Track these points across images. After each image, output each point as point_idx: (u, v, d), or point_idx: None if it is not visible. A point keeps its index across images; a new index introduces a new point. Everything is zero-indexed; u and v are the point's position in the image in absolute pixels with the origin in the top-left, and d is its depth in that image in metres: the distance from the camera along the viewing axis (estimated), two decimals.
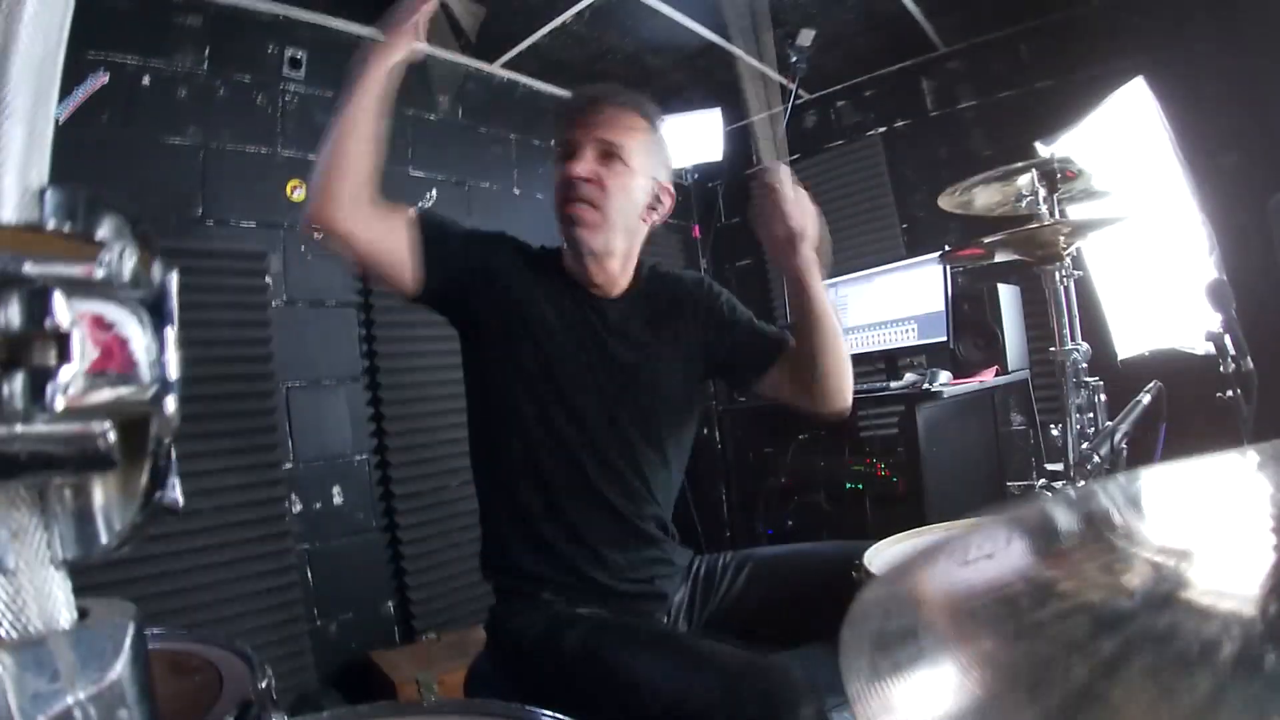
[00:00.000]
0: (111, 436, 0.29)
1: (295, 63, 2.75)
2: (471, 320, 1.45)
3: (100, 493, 0.32)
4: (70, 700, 0.29)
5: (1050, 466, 1.81)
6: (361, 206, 1.32)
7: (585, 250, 1.42)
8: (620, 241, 1.45)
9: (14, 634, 0.30)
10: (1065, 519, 0.56)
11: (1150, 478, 0.60)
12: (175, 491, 0.33)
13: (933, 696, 0.36)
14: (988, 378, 2.69)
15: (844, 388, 1.49)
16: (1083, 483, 1.60)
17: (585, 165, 1.41)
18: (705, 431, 3.39)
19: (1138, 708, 0.30)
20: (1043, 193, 1.86)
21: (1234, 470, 0.57)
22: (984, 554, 0.53)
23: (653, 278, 1.56)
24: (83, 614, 0.33)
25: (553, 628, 1.32)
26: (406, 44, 1.49)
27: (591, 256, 1.44)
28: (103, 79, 2.21)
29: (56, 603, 0.32)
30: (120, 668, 0.31)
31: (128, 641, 0.32)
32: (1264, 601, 0.34)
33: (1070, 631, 0.37)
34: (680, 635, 1.44)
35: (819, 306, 1.50)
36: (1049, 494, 1.65)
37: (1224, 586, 0.37)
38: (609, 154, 1.42)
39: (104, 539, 0.32)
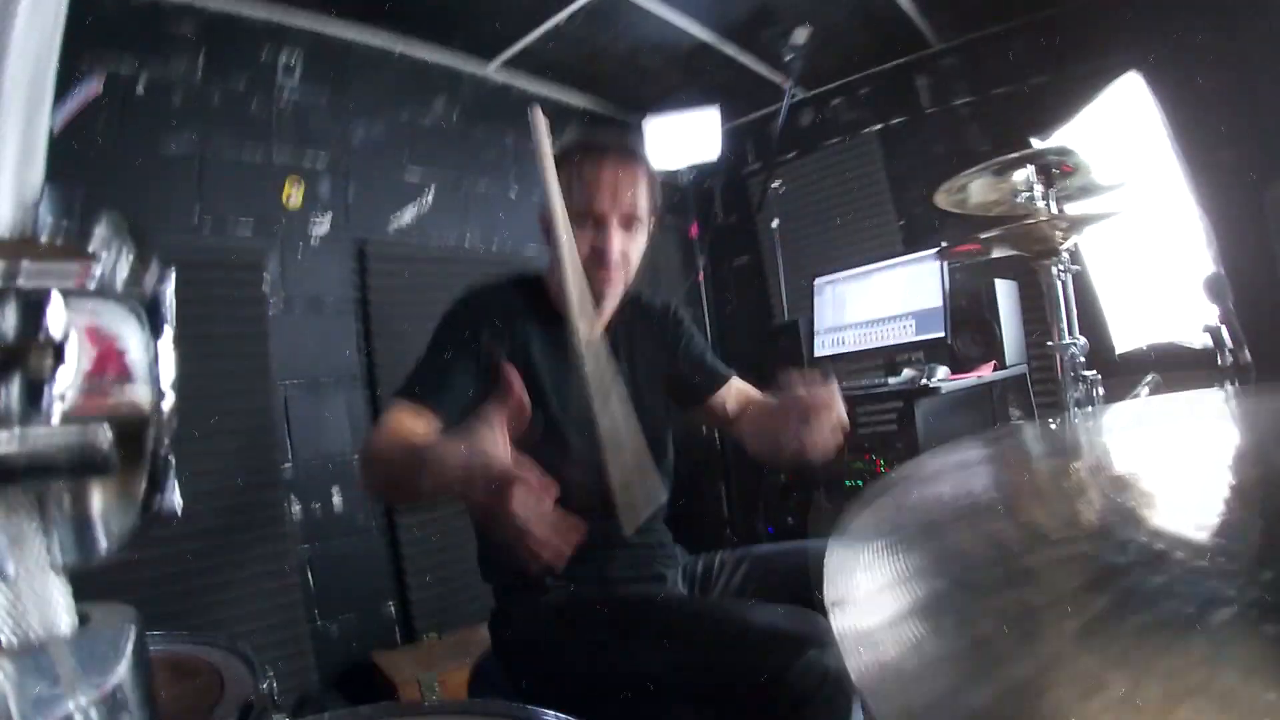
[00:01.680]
0: (108, 442, 0.29)
1: (290, 68, 2.75)
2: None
3: (99, 499, 0.32)
4: (72, 706, 0.29)
5: None
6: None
7: (604, 306, 1.47)
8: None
9: (15, 640, 0.30)
10: (1037, 445, 0.58)
11: (1124, 411, 0.62)
12: (174, 497, 0.33)
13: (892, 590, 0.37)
14: (986, 373, 2.69)
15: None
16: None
17: (618, 245, 1.42)
18: (705, 431, 3.39)
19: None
20: (1039, 188, 1.86)
21: (1205, 407, 0.59)
22: (961, 469, 0.54)
23: (633, 309, 1.60)
24: (83, 619, 0.33)
25: (559, 621, 1.32)
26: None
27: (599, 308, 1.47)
28: (97, 87, 2.21)
29: (57, 609, 0.32)
30: (121, 673, 0.31)
31: (129, 647, 0.32)
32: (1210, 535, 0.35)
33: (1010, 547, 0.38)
34: (697, 598, 1.45)
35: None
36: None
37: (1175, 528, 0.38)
38: (630, 223, 1.44)
39: (103, 545, 0.32)
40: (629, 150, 1.49)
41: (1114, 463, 0.50)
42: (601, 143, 1.47)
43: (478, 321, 1.42)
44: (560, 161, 1.38)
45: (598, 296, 1.43)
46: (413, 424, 1.30)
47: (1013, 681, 0.30)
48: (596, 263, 1.41)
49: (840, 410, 1.30)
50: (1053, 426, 0.71)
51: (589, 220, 1.41)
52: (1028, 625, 0.33)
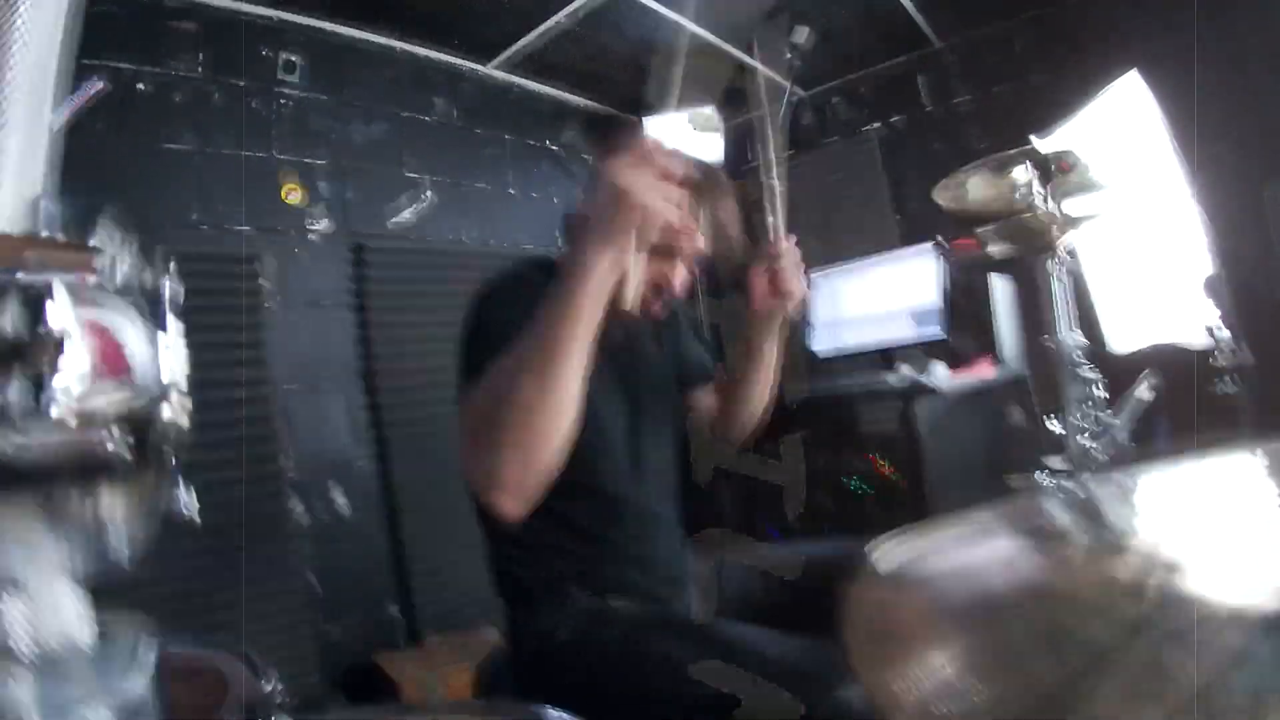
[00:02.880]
0: (112, 443, 0.29)
1: (290, 67, 2.75)
2: None
3: (110, 506, 0.32)
4: (90, 716, 0.29)
5: (1050, 459, 1.81)
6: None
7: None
8: None
9: (32, 651, 0.30)
10: (1062, 517, 0.57)
11: (1150, 477, 0.60)
12: (183, 503, 0.33)
13: (929, 685, 0.36)
14: (983, 370, 2.69)
15: (754, 426, 1.65)
16: (1081, 476, 1.60)
17: (679, 281, 1.40)
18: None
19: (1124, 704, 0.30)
20: (1037, 186, 1.85)
21: (1237, 470, 0.57)
22: (982, 552, 0.53)
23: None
24: (99, 629, 0.33)
25: (587, 626, 1.30)
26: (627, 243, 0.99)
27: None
28: (99, 86, 2.21)
29: (73, 619, 0.32)
30: (138, 683, 0.31)
31: (145, 657, 0.32)
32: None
33: (1059, 627, 0.37)
34: (723, 624, 1.44)
35: (773, 360, 1.56)
36: (1046, 484, 1.66)
37: (1214, 590, 0.37)
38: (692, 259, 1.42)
39: (119, 553, 0.32)
40: (724, 188, 1.45)
41: (1155, 539, 0.49)
42: (705, 180, 1.39)
43: (526, 302, 1.35)
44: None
45: (647, 313, 1.41)
46: None
47: None
48: (652, 294, 1.38)
49: (797, 259, 1.44)
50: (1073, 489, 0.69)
51: (656, 251, 1.32)
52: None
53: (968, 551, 0.53)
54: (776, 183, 1.62)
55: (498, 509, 1.07)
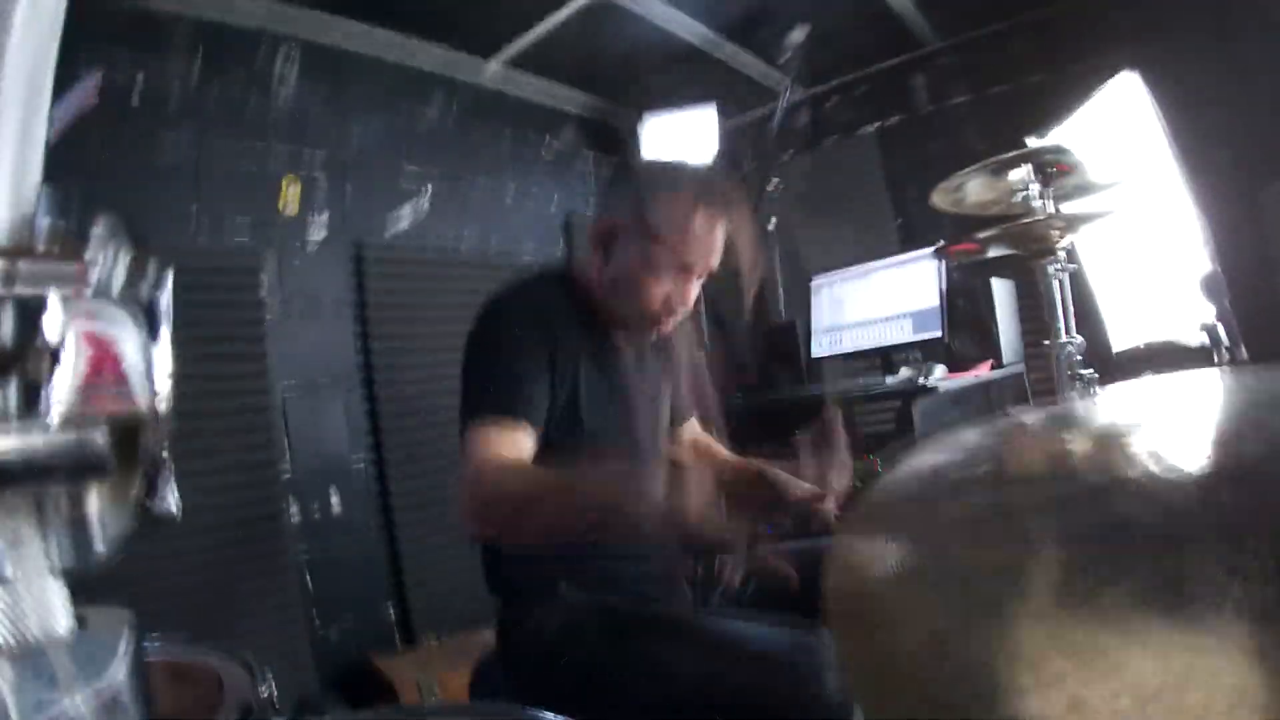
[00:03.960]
0: (104, 445, 0.29)
1: (286, 69, 2.75)
2: None
3: (96, 502, 0.32)
4: (68, 707, 0.29)
5: None
6: None
7: (643, 336, 1.48)
8: None
9: (13, 642, 0.30)
10: (1035, 415, 0.60)
11: (1124, 390, 0.64)
12: (171, 500, 0.33)
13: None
14: (983, 372, 2.70)
15: None
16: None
17: (692, 297, 1.41)
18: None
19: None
20: (1036, 188, 1.86)
21: (1207, 386, 0.59)
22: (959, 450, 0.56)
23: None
24: (80, 622, 0.33)
25: (573, 623, 1.31)
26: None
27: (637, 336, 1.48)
28: (94, 90, 2.21)
29: (55, 611, 0.32)
30: (117, 674, 0.31)
31: (125, 649, 0.32)
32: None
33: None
34: (707, 619, 1.45)
35: None
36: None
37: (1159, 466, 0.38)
38: (707, 275, 1.42)
39: (100, 548, 0.32)
40: (738, 206, 1.44)
41: (1109, 427, 0.51)
42: (720, 198, 1.39)
43: (537, 321, 1.35)
44: (675, 195, 1.35)
45: (650, 325, 1.43)
46: (515, 448, 1.24)
47: (997, 640, 0.31)
48: (665, 310, 1.39)
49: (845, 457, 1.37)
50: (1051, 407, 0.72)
51: (672, 269, 1.36)
52: (1014, 588, 0.33)
53: (934, 457, 0.55)
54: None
55: (470, 537, 1.23)
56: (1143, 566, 0.31)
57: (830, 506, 1.34)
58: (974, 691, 0.29)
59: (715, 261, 1.39)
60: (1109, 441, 0.45)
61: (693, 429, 1.77)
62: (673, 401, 1.66)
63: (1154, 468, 0.39)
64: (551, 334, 1.34)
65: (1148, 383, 0.61)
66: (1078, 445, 0.45)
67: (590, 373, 1.40)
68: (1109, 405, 0.61)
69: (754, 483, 1.50)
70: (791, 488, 1.39)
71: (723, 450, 1.75)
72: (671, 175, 1.43)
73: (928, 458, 0.54)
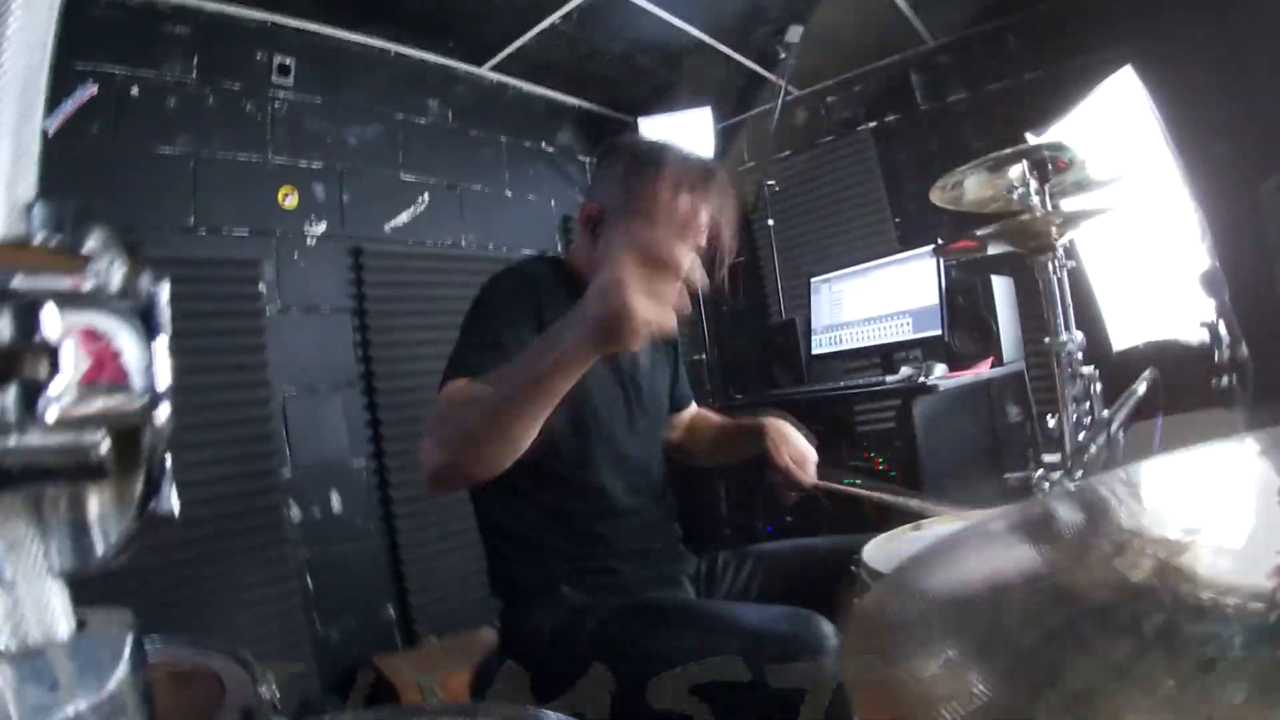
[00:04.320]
0: (105, 447, 0.29)
1: (284, 69, 2.75)
2: None
3: (95, 503, 0.32)
4: (70, 710, 0.29)
5: (1047, 457, 1.81)
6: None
7: None
8: None
9: (13, 645, 0.30)
10: (1067, 513, 0.56)
11: (1150, 468, 0.60)
12: (171, 501, 0.33)
13: (932, 688, 0.35)
14: (983, 370, 2.70)
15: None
16: (1081, 474, 1.61)
17: (684, 295, 1.44)
18: None
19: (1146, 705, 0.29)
20: (1034, 185, 1.86)
21: (1232, 458, 0.57)
22: (988, 549, 0.53)
23: None
24: (81, 624, 0.33)
25: (570, 620, 1.32)
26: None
27: None
28: (91, 90, 2.21)
29: (55, 613, 0.32)
30: (119, 677, 0.31)
31: (126, 651, 0.32)
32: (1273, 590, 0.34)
33: (1091, 632, 0.36)
34: (696, 602, 1.45)
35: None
36: (1049, 485, 1.66)
37: (1227, 578, 0.37)
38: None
39: (100, 550, 0.32)
40: (721, 187, 1.46)
41: (1151, 520, 0.49)
42: (709, 178, 1.42)
43: (528, 293, 1.36)
44: (658, 176, 1.37)
45: None
46: None
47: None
48: None
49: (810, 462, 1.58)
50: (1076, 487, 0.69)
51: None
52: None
53: (972, 552, 0.52)
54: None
55: (424, 486, 1.14)
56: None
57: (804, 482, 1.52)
58: None
59: (701, 241, 1.41)
60: (1159, 550, 0.43)
61: (693, 411, 1.81)
62: (671, 385, 1.70)
63: (1213, 572, 0.37)
64: (539, 306, 1.34)
65: (1174, 461, 0.58)
66: (1126, 556, 0.43)
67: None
68: (1143, 492, 0.59)
69: (751, 435, 1.62)
70: (777, 454, 1.56)
71: (719, 417, 1.82)
72: (655, 156, 1.44)
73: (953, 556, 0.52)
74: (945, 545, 0.54)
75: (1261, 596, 0.33)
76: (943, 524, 1.41)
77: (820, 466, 1.63)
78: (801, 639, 1.09)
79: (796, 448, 1.60)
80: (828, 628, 1.12)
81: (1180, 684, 0.28)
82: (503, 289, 1.40)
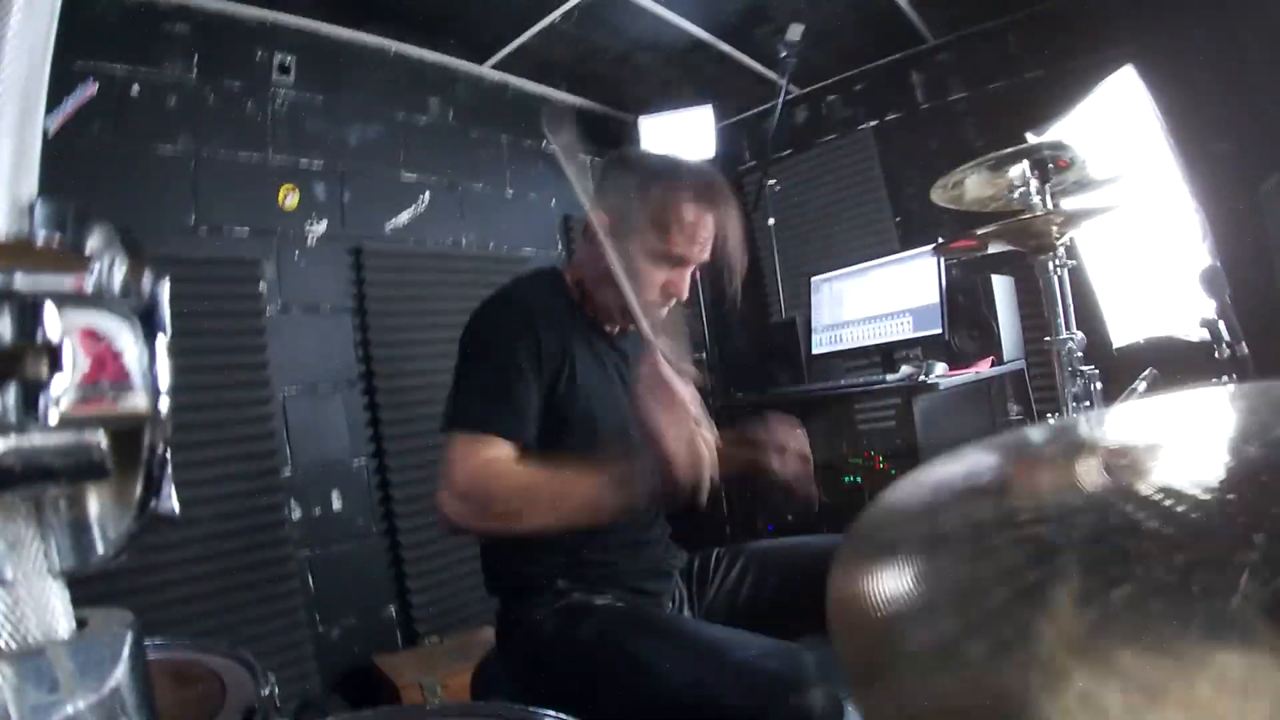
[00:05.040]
0: (105, 446, 0.29)
1: (284, 68, 2.75)
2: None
3: (95, 503, 0.32)
4: (70, 710, 0.29)
5: None
6: None
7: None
8: None
9: (13, 645, 0.30)
10: (1036, 435, 0.60)
11: (1126, 408, 0.64)
12: (171, 500, 0.33)
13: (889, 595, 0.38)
14: (984, 368, 2.70)
15: None
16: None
17: (686, 286, 1.46)
18: None
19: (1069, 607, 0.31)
20: (1035, 183, 1.86)
21: (1208, 401, 0.59)
22: (963, 466, 0.55)
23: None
24: (81, 624, 0.33)
25: (567, 620, 1.32)
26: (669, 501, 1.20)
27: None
28: (91, 90, 2.21)
29: (55, 613, 0.32)
30: (119, 676, 0.31)
31: (126, 650, 0.32)
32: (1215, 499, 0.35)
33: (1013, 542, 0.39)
34: (696, 624, 1.45)
35: None
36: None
37: (1173, 488, 0.38)
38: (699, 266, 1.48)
39: (100, 549, 0.32)
40: (727, 201, 1.47)
41: (1112, 443, 0.51)
42: (716, 193, 1.44)
43: (526, 325, 1.37)
44: (672, 189, 1.40)
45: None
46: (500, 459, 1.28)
47: (1004, 642, 0.30)
48: (661, 299, 1.44)
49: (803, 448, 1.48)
50: (1053, 420, 0.72)
51: (669, 260, 1.41)
52: (1023, 591, 0.33)
53: (938, 472, 0.55)
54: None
55: (440, 524, 1.25)
56: (1153, 565, 0.31)
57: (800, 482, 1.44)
58: (982, 693, 0.29)
59: (706, 254, 1.43)
60: (1115, 455, 0.45)
61: None
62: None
63: (1163, 476, 0.38)
64: (537, 339, 1.36)
65: (1149, 401, 0.62)
66: (1084, 460, 0.45)
67: (585, 364, 1.42)
68: (1113, 421, 0.61)
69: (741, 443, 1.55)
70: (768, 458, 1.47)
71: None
72: (663, 168, 1.47)
73: (932, 473, 0.54)
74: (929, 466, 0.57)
75: (1205, 506, 0.35)
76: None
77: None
78: (789, 678, 1.10)
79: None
80: (811, 663, 1.13)
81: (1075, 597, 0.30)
82: (500, 328, 1.40)
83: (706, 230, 1.42)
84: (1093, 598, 0.30)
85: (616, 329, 1.51)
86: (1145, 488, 0.38)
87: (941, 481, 0.52)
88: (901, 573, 0.40)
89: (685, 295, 1.45)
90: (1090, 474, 0.41)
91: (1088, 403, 1.76)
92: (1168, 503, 0.35)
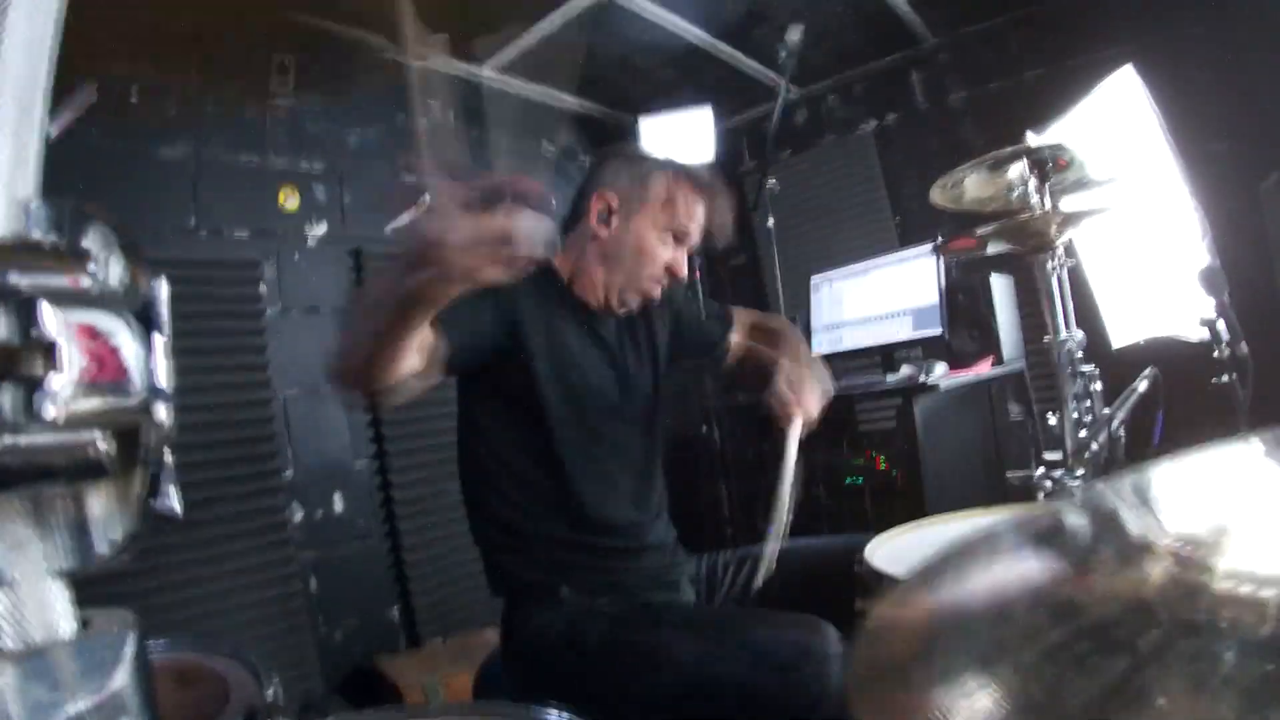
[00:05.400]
0: (103, 445, 0.29)
1: (284, 70, 2.75)
2: (495, 367, 1.41)
3: (97, 503, 0.32)
4: (72, 710, 0.29)
5: (1048, 456, 1.81)
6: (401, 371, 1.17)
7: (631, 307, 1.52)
8: None
9: (16, 645, 0.30)
10: (1078, 525, 0.55)
11: (1158, 473, 0.59)
12: (172, 500, 0.33)
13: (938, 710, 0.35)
14: (984, 369, 2.69)
15: None
16: (1086, 479, 1.61)
17: (685, 266, 1.51)
18: (705, 429, 3.39)
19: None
20: (1034, 183, 1.85)
21: (1240, 459, 0.57)
22: (999, 567, 0.52)
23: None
24: (83, 624, 0.33)
25: (574, 624, 1.32)
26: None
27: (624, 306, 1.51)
28: (91, 93, 2.21)
29: (57, 613, 0.32)
30: (121, 676, 0.31)
31: (128, 651, 0.32)
32: None
33: (1088, 650, 0.36)
34: (705, 608, 1.45)
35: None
36: (1053, 487, 1.65)
37: (1246, 580, 0.36)
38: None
39: (101, 549, 0.32)
40: (719, 189, 1.54)
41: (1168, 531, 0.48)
42: (713, 179, 1.53)
43: (518, 298, 1.39)
44: (666, 173, 1.47)
45: (643, 296, 1.50)
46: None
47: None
48: (667, 274, 1.49)
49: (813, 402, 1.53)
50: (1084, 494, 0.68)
51: (675, 234, 1.47)
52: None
53: (980, 564, 0.52)
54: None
55: (353, 391, 1.26)
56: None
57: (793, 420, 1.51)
58: None
59: (699, 235, 1.50)
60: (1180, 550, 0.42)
61: (735, 340, 1.79)
62: (689, 349, 1.73)
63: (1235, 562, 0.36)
64: (536, 311, 1.41)
65: (1181, 463, 0.57)
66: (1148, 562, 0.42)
67: (570, 342, 1.45)
68: (1155, 496, 0.58)
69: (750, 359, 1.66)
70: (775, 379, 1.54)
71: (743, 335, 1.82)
72: (663, 158, 1.55)
73: (963, 582, 0.51)
74: (953, 556, 0.53)
75: None
76: (945, 524, 1.41)
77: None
78: (808, 649, 1.09)
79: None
80: (833, 635, 1.12)
81: (1172, 701, 0.28)
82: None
83: (702, 210, 1.49)
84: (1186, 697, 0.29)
85: (603, 308, 1.52)
86: (1219, 580, 0.36)
87: (983, 591, 0.49)
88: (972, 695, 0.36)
89: (684, 274, 1.50)
90: (1156, 576, 0.39)
91: (1088, 403, 1.76)
92: (1222, 621, 0.34)
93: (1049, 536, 0.54)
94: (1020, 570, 0.50)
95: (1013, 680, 0.35)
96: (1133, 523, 0.50)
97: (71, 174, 2.18)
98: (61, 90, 2.16)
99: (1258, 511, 0.46)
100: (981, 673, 0.36)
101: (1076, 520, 0.56)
